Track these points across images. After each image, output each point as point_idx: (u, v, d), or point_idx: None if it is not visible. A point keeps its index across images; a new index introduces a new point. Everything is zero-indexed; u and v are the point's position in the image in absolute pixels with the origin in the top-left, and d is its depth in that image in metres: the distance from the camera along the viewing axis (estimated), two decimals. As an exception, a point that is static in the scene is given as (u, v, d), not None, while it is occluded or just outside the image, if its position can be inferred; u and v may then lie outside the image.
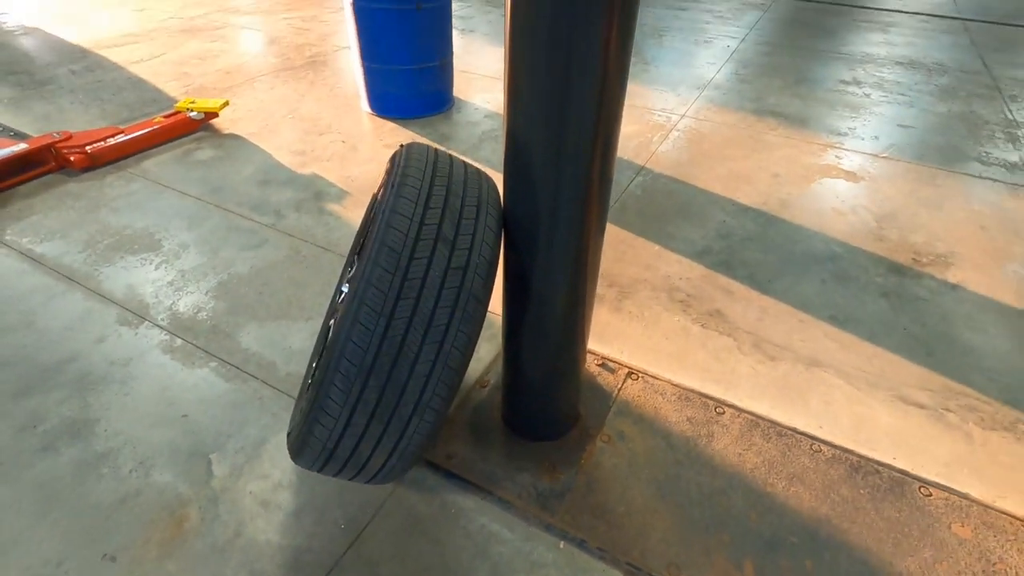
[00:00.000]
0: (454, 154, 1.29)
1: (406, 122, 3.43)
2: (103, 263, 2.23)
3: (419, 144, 1.25)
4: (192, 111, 3.17)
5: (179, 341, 1.89)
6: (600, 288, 2.17)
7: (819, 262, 2.36)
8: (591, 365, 1.83)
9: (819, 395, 1.77)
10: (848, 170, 3.06)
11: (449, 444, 1.57)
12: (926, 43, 5.26)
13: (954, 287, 2.24)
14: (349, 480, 1.24)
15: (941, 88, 4.20)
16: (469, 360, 1.12)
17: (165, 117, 3.14)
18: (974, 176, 3.04)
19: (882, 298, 2.17)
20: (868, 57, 4.82)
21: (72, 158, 2.76)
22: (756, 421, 1.67)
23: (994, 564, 1.34)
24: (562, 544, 1.36)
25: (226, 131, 3.26)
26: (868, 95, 4.03)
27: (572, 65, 0.99)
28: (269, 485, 1.48)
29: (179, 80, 3.91)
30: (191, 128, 3.20)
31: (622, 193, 2.79)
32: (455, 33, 4.98)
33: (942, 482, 1.53)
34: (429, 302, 1.03)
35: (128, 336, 1.91)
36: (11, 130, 3.18)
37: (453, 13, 4.63)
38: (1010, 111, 3.85)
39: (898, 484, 1.51)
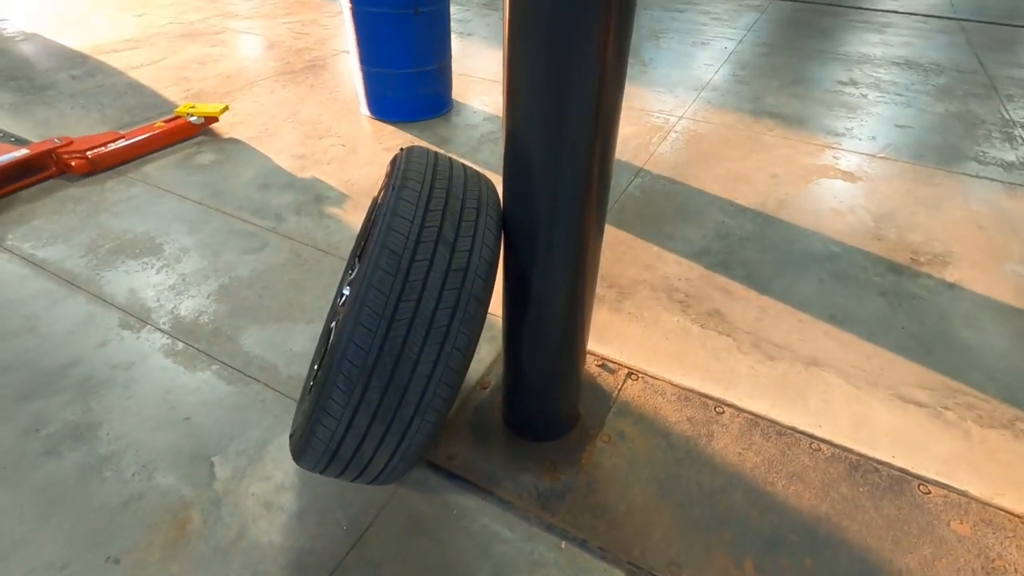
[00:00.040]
0: (453, 157, 1.30)
1: (405, 125, 3.45)
2: (104, 267, 2.24)
3: (419, 147, 1.26)
4: (192, 116, 3.18)
5: (181, 345, 1.90)
6: (600, 289, 2.18)
7: (817, 262, 2.37)
8: (591, 366, 1.84)
9: (818, 394, 1.78)
10: (846, 170, 3.08)
11: (450, 445, 1.58)
12: (922, 43, 5.28)
13: (952, 286, 2.25)
14: (351, 481, 1.25)
15: (938, 88, 4.21)
16: (470, 361, 1.13)
17: (165, 122, 3.15)
18: (971, 176, 3.05)
19: (880, 297, 2.18)
20: (865, 57, 4.84)
21: (73, 163, 2.77)
22: (756, 420, 1.68)
23: (993, 561, 1.35)
24: (563, 544, 1.37)
25: (226, 135, 3.27)
26: (865, 95, 4.05)
27: (570, 68, 1.00)
28: (271, 487, 1.48)
29: (179, 85, 3.93)
30: (191, 133, 3.21)
31: (621, 194, 2.80)
32: (453, 36, 5.00)
33: (941, 480, 1.54)
34: (430, 303, 1.04)
35: (130, 340, 1.92)
36: (12, 136, 3.19)
37: (451, 16, 4.65)
38: (1007, 110, 3.86)
39: (897, 482, 1.52)
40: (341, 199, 2.71)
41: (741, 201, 2.77)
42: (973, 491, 1.51)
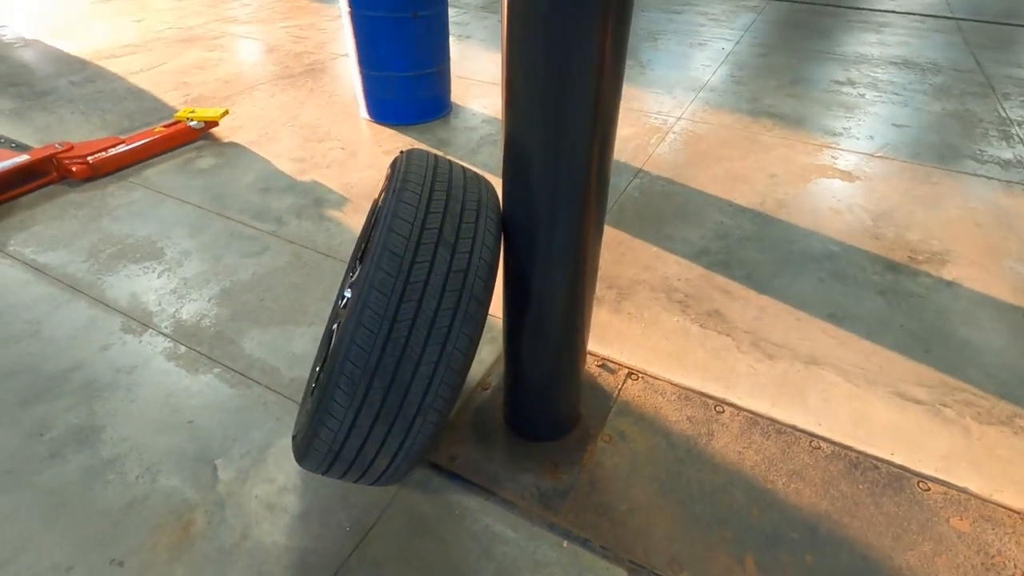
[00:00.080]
0: (453, 159, 1.31)
1: (404, 128, 3.46)
2: (106, 272, 2.25)
3: (419, 150, 1.27)
4: (192, 120, 3.20)
5: (183, 348, 1.91)
6: (599, 289, 2.19)
7: (816, 261, 2.38)
8: (591, 366, 1.85)
9: (818, 392, 1.79)
10: (844, 169, 3.09)
11: (452, 446, 1.59)
12: (919, 43, 5.30)
13: (950, 284, 2.26)
14: (354, 482, 1.26)
15: (935, 87, 4.23)
16: (471, 361, 1.14)
17: (165, 127, 3.16)
18: (969, 174, 3.06)
19: (879, 296, 2.19)
20: (862, 57, 4.85)
21: (74, 168, 2.78)
22: (755, 419, 1.69)
23: (993, 557, 1.36)
24: (565, 543, 1.38)
25: (226, 139, 3.28)
26: (863, 95, 4.06)
27: (568, 70, 1.01)
28: (274, 488, 1.49)
29: (179, 90, 3.94)
30: (191, 137, 3.22)
31: (620, 195, 2.81)
32: (452, 39, 5.02)
33: (940, 476, 1.55)
34: (431, 304, 1.05)
35: (132, 344, 1.93)
36: (13, 141, 3.20)
37: (450, 20, 4.67)
38: (1004, 109, 3.88)
39: (897, 479, 1.53)
40: (341, 202, 2.72)
41: (740, 201, 2.78)
42: (972, 487, 1.52)
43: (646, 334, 2.00)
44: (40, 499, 1.47)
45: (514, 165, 1.17)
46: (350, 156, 3.13)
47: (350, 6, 3.15)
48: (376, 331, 1.02)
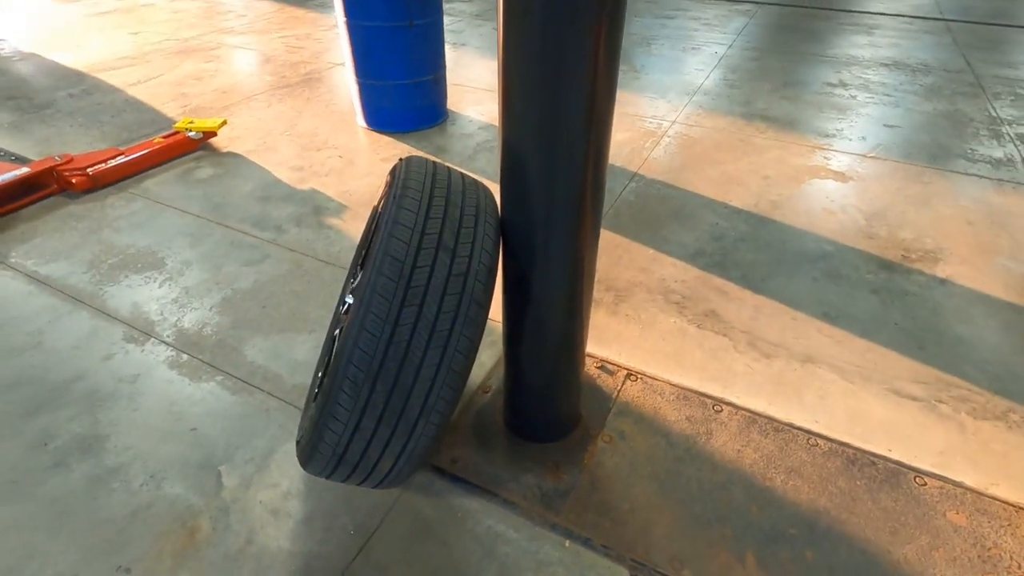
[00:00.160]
0: (451, 166, 1.33)
1: (401, 136, 3.49)
2: (108, 282, 2.27)
3: (418, 157, 1.30)
4: (191, 131, 3.22)
5: (185, 356, 1.93)
6: (597, 292, 2.21)
7: (811, 261, 2.40)
8: (590, 367, 1.87)
9: (814, 390, 1.81)
10: (837, 170, 3.12)
11: (454, 449, 1.61)
12: (910, 44, 5.35)
13: (943, 281, 2.29)
14: (357, 485, 1.27)
15: (926, 88, 4.28)
16: (472, 363, 1.16)
17: (164, 137, 3.19)
18: (960, 173, 3.10)
19: (873, 294, 2.22)
20: (853, 59, 4.91)
21: (74, 180, 2.80)
22: (753, 417, 1.71)
23: (989, 550, 1.38)
24: (567, 542, 1.39)
25: (225, 149, 3.31)
26: (854, 96, 4.11)
27: (563, 76, 1.03)
28: (278, 494, 1.50)
29: (176, 101, 3.97)
30: (190, 148, 3.25)
31: (616, 199, 2.84)
32: (447, 47, 5.06)
33: (936, 471, 1.57)
34: (432, 308, 1.07)
35: (135, 353, 1.94)
36: (12, 154, 3.22)
37: (445, 28, 4.72)
38: (994, 108, 3.92)
39: (894, 475, 1.55)
40: (340, 210, 2.74)
41: (734, 203, 2.81)
42: (968, 482, 1.54)
43: (644, 335, 2.02)
44: (45, 508, 1.48)
45: (511, 170, 1.20)
46: (348, 164, 3.15)
47: (346, 16, 3.19)
48: (379, 335, 1.04)
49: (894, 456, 1.60)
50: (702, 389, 1.81)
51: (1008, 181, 3.02)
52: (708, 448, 1.61)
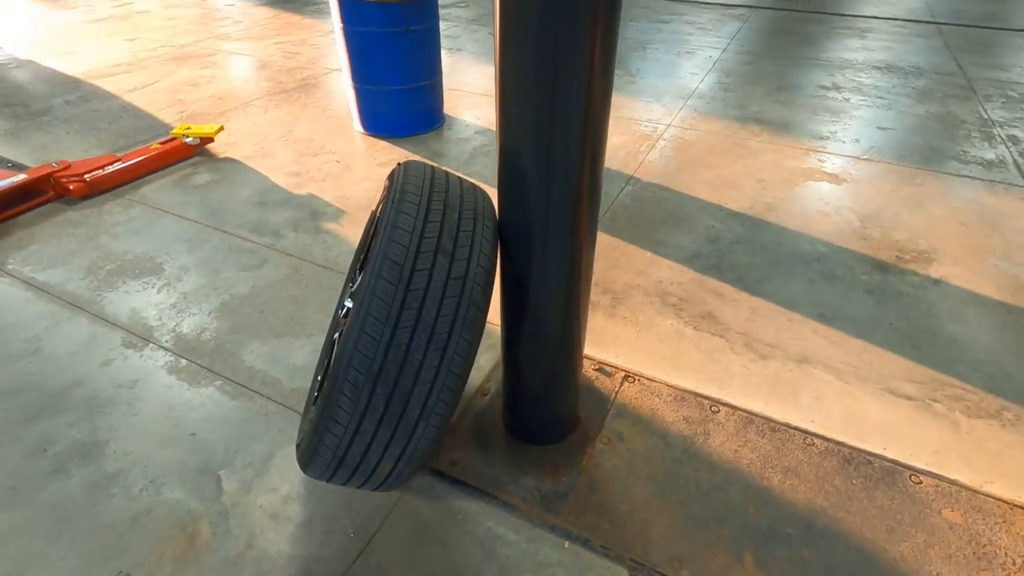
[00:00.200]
0: (448, 170, 1.34)
1: (398, 141, 3.50)
2: (106, 288, 2.27)
3: (416, 161, 1.31)
4: (188, 137, 3.23)
5: (184, 362, 1.93)
6: (594, 295, 2.22)
7: (806, 262, 2.42)
8: (588, 370, 1.88)
9: (810, 391, 1.82)
10: (831, 172, 3.15)
11: (453, 451, 1.61)
12: (902, 47, 5.40)
13: (937, 282, 2.31)
14: (358, 488, 1.28)
15: (918, 90, 4.32)
16: (471, 366, 1.17)
17: (161, 143, 3.19)
18: (953, 174, 3.13)
19: (868, 295, 2.24)
20: (846, 62, 4.95)
21: (71, 187, 2.80)
22: (750, 418, 1.72)
23: (984, 546, 1.39)
24: (567, 544, 1.40)
25: (222, 155, 3.32)
26: (848, 99, 4.14)
27: (559, 80, 1.05)
28: (278, 498, 1.51)
29: (173, 107, 3.97)
30: (187, 153, 3.25)
31: (613, 202, 2.86)
32: (443, 52, 5.08)
33: (932, 470, 1.58)
34: (431, 311, 1.08)
35: (133, 359, 1.95)
36: (9, 161, 3.22)
37: (441, 33, 4.75)
38: (985, 110, 3.96)
39: (889, 473, 1.56)
40: (337, 215, 2.75)
41: (730, 206, 2.83)
42: (963, 480, 1.56)
43: (641, 337, 2.03)
44: (44, 514, 1.48)
45: (509, 174, 1.21)
46: (345, 169, 3.17)
47: (343, 22, 3.21)
48: (378, 338, 1.05)
49: (890, 455, 1.62)
50: (699, 390, 1.82)
51: (1000, 182, 3.05)
52: (706, 449, 1.62)
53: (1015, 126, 3.72)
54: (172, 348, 1.98)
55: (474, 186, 1.30)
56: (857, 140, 3.52)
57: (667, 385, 1.83)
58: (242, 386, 1.83)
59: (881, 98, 4.16)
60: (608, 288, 2.27)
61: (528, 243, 1.26)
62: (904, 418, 1.73)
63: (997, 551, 1.38)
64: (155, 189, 2.97)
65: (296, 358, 1.94)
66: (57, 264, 2.41)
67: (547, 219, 1.21)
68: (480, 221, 1.19)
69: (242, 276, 2.34)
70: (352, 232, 2.62)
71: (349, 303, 1.42)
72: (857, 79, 4.55)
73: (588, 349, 1.97)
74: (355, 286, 1.39)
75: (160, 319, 2.11)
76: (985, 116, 3.87)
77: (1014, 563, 1.35)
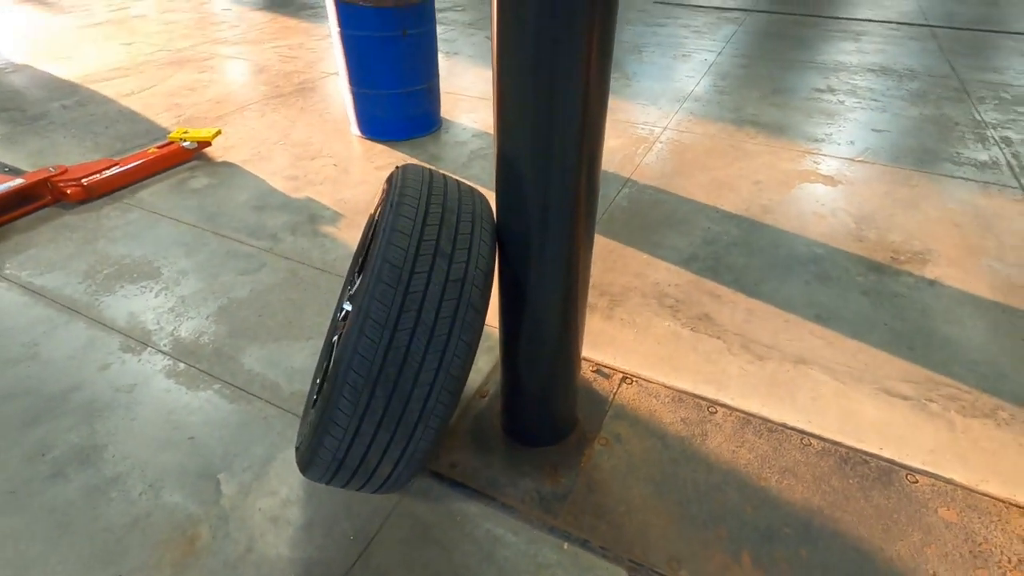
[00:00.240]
0: (446, 173, 1.35)
1: (396, 144, 3.51)
2: (103, 292, 2.27)
3: (415, 165, 1.32)
4: (185, 141, 3.23)
5: (182, 365, 1.93)
6: (592, 297, 2.23)
7: (802, 264, 2.44)
8: (586, 371, 1.89)
9: (807, 391, 1.83)
10: (826, 174, 3.17)
11: (452, 453, 1.62)
12: (896, 50, 5.44)
13: (932, 283, 2.33)
14: (357, 490, 1.28)
15: (912, 93, 4.35)
16: (470, 368, 1.17)
17: (159, 148, 3.19)
18: (947, 176, 3.15)
19: (863, 296, 2.25)
20: (841, 65, 4.98)
21: (68, 191, 2.80)
22: (747, 419, 1.73)
23: (980, 545, 1.40)
24: (566, 545, 1.41)
25: (219, 159, 3.32)
26: (842, 102, 4.17)
27: (556, 83, 1.06)
28: (278, 501, 1.51)
29: (170, 111, 3.98)
30: (185, 158, 3.26)
31: (610, 205, 2.87)
32: (440, 56, 5.09)
33: (927, 469, 1.59)
34: (430, 313, 1.09)
35: (132, 363, 1.95)
36: (6, 166, 3.22)
37: (438, 37, 4.77)
38: (978, 112, 3.99)
39: (886, 473, 1.57)
40: (335, 218, 2.76)
41: (726, 208, 2.85)
42: (958, 479, 1.57)
43: (639, 339, 2.04)
44: (43, 519, 1.48)
45: (506, 177, 1.22)
46: (343, 173, 3.17)
47: (340, 26, 3.22)
48: (378, 340, 1.06)
49: (886, 455, 1.63)
50: (697, 391, 1.83)
51: (993, 183, 3.07)
52: (703, 449, 1.63)
53: (1008, 128, 3.75)
54: (170, 352, 1.99)
55: (472, 189, 1.31)
56: (852, 142, 3.55)
57: (665, 386, 1.84)
58: (241, 390, 1.84)
59: (875, 100, 4.19)
60: (606, 290, 2.28)
61: (526, 245, 1.26)
62: (900, 418, 1.75)
63: (993, 549, 1.39)
64: (152, 193, 2.97)
65: (295, 361, 1.94)
66: (55, 268, 2.41)
67: (545, 222, 1.22)
68: (478, 224, 1.20)
69: (240, 280, 2.34)
70: (350, 235, 2.63)
71: (348, 306, 1.43)
72: (852, 82, 4.58)
73: (586, 351, 1.98)
74: (354, 289, 1.40)
75: (158, 323, 2.12)
76: (978, 118, 3.90)
77: (1009, 561, 1.37)
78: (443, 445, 1.64)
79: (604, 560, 1.37)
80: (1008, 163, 3.29)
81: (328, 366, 1.35)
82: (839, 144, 3.52)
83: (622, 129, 3.73)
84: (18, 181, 2.76)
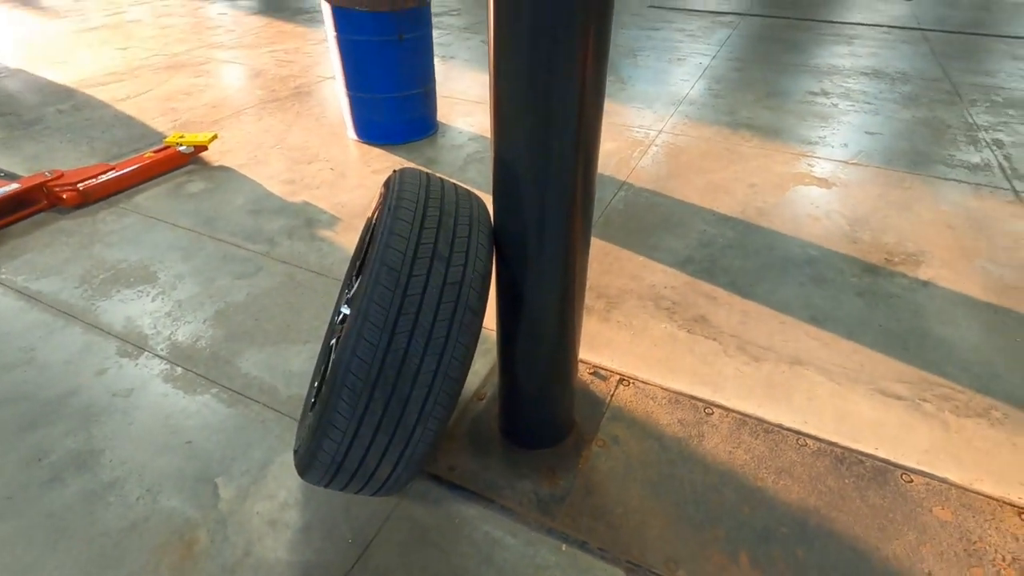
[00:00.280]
0: (443, 177, 1.36)
1: (392, 148, 3.52)
2: (100, 297, 2.27)
3: (412, 168, 1.33)
4: (181, 145, 3.23)
5: (179, 370, 1.93)
6: (589, 300, 2.24)
7: (797, 266, 2.45)
8: (583, 374, 1.90)
9: (802, 392, 1.85)
10: (820, 177, 3.19)
11: (450, 456, 1.62)
12: (889, 53, 5.49)
13: (925, 284, 2.35)
14: (355, 493, 1.29)
15: (904, 96, 4.38)
16: (468, 370, 1.18)
17: (155, 152, 3.19)
18: (940, 178, 3.18)
19: (858, 297, 2.27)
20: (834, 69, 5.02)
21: (64, 196, 2.80)
22: (744, 420, 1.74)
23: (974, 543, 1.41)
24: (564, 546, 1.41)
25: (216, 163, 3.32)
26: (836, 105, 4.20)
27: (552, 87, 1.07)
28: (276, 505, 1.51)
29: (166, 116, 3.98)
30: (181, 162, 3.26)
31: (606, 208, 2.88)
32: (436, 60, 5.11)
33: (922, 468, 1.61)
34: (428, 316, 1.09)
35: (129, 367, 1.94)
36: (2, 171, 3.21)
37: (434, 41, 4.78)
38: (970, 115, 4.03)
39: (881, 472, 1.58)
40: (332, 222, 2.76)
41: (722, 210, 2.86)
42: (953, 478, 1.58)
43: (635, 341, 2.05)
44: (40, 523, 1.47)
45: (503, 180, 1.23)
46: (339, 176, 3.18)
47: (336, 30, 3.23)
48: (376, 343, 1.06)
49: (881, 454, 1.64)
50: (693, 393, 1.84)
51: (985, 185, 3.10)
52: (700, 450, 1.64)
53: (1000, 130, 3.78)
54: (167, 356, 1.98)
55: (469, 192, 1.32)
56: (846, 145, 3.57)
57: (661, 388, 1.85)
58: (238, 393, 1.84)
59: (869, 103, 4.22)
60: (602, 293, 2.29)
61: (523, 248, 1.27)
62: (895, 418, 1.76)
63: (987, 548, 1.40)
64: (149, 198, 2.97)
65: (292, 365, 1.94)
66: (51, 273, 2.41)
67: (542, 224, 1.23)
68: (475, 227, 1.21)
69: (237, 284, 2.34)
70: (347, 239, 2.63)
71: (346, 309, 1.43)
72: (845, 85, 4.61)
73: (583, 353, 1.98)
74: (352, 292, 1.40)
75: (155, 327, 2.11)
76: (970, 120, 3.93)
77: (1004, 559, 1.38)
78: (441, 448, 1.64)
79: (602, 561, 1.38)
80: (1000, 165, 3.32)
81: (326, 369, 1.36)
82: (833, 147, 3.55)
83: (618, 132, 3.75)
84: (14, 186, 2.76)
